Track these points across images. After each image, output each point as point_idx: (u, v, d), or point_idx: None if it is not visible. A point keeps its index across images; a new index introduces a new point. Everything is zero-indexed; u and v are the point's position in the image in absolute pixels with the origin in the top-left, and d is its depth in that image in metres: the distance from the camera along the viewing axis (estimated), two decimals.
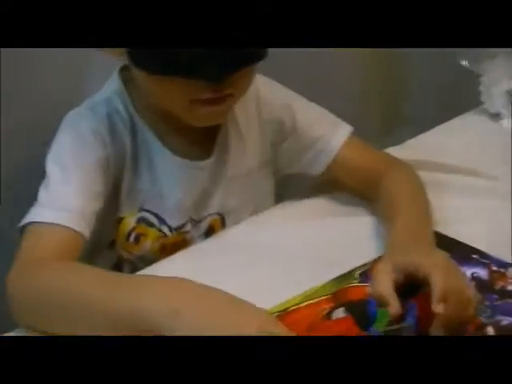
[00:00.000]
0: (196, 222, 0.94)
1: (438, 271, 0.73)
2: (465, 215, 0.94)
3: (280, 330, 0.66)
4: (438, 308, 0.70)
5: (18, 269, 0.76)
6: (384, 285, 0.74)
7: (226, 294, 0.69)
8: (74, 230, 0.80)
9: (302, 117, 0.99)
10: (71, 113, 0.90)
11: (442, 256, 0.77)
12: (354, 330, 0.72)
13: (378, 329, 0.72)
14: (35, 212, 0.81)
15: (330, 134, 0.99)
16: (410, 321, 0.72)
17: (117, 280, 0.75)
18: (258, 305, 0.68)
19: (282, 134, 1.00)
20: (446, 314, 0.71)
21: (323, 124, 1.00)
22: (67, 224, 0.80)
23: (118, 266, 0.94)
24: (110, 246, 0.94)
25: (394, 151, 1.07)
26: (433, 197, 0.94)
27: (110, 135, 0.87)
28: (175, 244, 0.93)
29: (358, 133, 1.02)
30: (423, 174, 0.98)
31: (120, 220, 0.91)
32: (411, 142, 1.16)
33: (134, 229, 0.92)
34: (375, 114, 1.45)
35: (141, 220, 0.92)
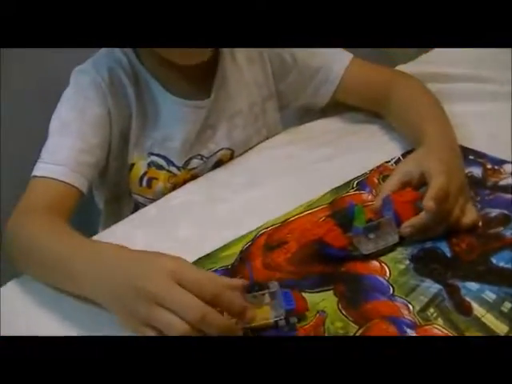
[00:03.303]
0: (206, 158, 0.97)
1: (443, 176, 0.75)
2: (467, 120, 0.93)
3: (193, 273, 0.63)
4: (429, 203, 0.72)
5: (13, 219, 0.80)
6: (386, 183, 0.79)
7: (143, 251, 0.68)
8: (66, 183, 0.84)
9: (300, 49, 1.00)
10: (76, 69, 0.92)
11: (456, 170, 0.79)
12: (335, 230, 0.74)
13: (359, 225, 0.73)
14: (36, 166, 0.85)
15: (331, 62, 1.00)
16: (387, 214, 0.74)
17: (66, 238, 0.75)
18: (262, 218, 0.70)
19: (284, 68, 1.02)
20: (433, 214, 0.73)
21: (323, 53, 1.01)
22: (59, 178, 0.83)
23: (135, 212, 0.96)
24: (130, 193, 0.98)
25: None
26: None
27: (112, 88, 0.90)
28: (185, 181, 0.96)
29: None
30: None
31: (131, 167, 0.95)
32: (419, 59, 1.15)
33: (145, 173, 0.95)
34: None
35: (151, 164, 0.95)
